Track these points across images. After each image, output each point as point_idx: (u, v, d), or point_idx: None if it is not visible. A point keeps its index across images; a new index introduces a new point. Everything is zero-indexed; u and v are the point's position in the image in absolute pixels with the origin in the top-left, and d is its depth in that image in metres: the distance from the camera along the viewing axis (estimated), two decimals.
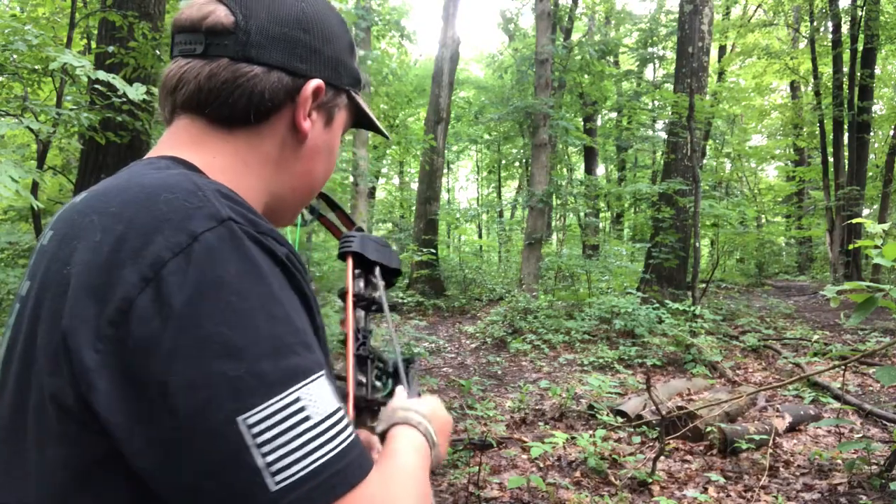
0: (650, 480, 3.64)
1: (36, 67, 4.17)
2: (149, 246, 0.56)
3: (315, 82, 0.73)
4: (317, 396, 0.56)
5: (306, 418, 0.55)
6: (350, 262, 0.95)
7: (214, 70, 0.69)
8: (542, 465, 4.01)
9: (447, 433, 0.86)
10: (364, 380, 0.89)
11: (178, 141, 0.72)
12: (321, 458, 0.55)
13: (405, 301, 10.44)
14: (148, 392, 0.53)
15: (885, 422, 4.72)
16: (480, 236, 25.09)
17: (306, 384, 0.56)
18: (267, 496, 0.52)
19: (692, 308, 7.76)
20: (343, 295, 0.92)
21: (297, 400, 0.55)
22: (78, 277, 0.57)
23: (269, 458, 0.52)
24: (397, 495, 0.61)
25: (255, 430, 0.52)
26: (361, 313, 0.95)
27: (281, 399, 0.54)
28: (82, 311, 0.55)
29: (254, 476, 0.52)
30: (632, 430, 4.62)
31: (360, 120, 0.86)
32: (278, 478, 0.52)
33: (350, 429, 0.59)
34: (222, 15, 0.70)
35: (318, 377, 0.57)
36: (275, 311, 0.57)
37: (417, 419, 0.80)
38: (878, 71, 15.32)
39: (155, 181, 0.62)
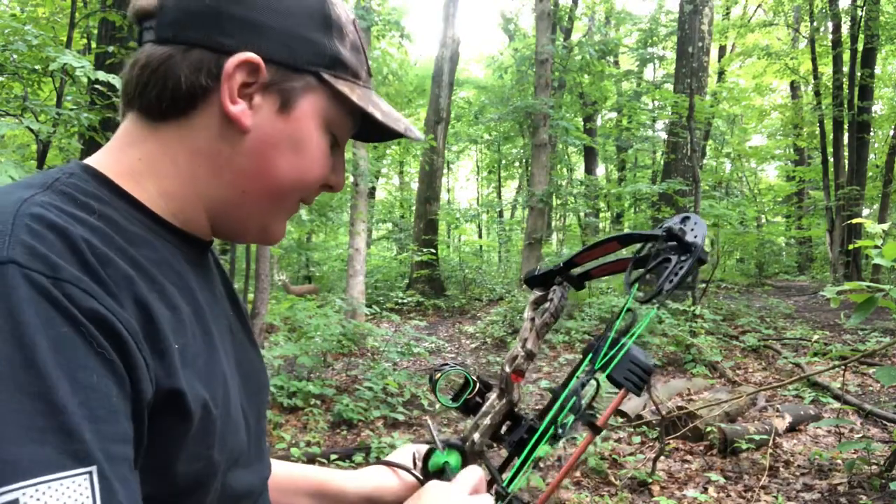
0: (650, 480, 3.64)
1: (36, 67, 4.17)
2: None
3: (241, 56, 0.60)
4: (53, 501, 0.43)
5: None
6: (622, 394, 0.87)
7: (138, 58, 0.62)
8: (542, 465, 4.02)
9: None
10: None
11: (115, 141, 0.65)
12: None
13: (405, 301, 10.42)
14: None
15: (885, 422, 4.72)
16: (480, 236, 25.07)
17: (37, 484, 0.42)
18: None
19: (692, 308, 7.76)
20: (592, 425, 0.84)
21: (14, 502, 0.42)
22: None
23: None
24: None
25: None
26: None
27: None
28: None
29: None
30: (632, 430, 4.62)
31: (358, 117, 0.70)
32: None
33: None
34: None
35: (67, 476, 0.43)
36: (21, 380, 0.44)
37: None
38: (878, 71, 15.30)
39: None
